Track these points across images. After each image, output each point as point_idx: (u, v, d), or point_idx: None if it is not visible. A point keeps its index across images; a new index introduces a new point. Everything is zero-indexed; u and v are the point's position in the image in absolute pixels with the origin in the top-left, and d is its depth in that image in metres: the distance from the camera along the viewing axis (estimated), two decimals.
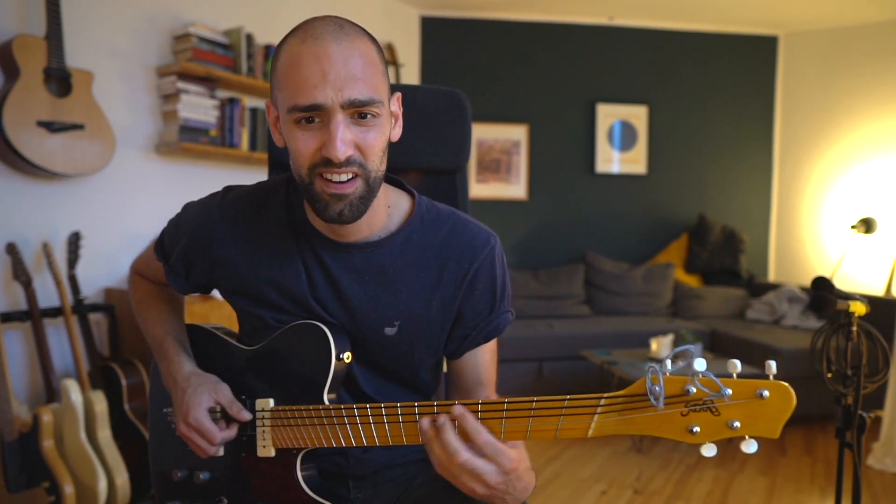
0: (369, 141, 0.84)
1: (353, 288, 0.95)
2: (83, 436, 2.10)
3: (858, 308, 1.44)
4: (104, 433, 2.16)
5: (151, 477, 1.12)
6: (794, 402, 0.68)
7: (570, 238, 4.67)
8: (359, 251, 0.95)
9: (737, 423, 0.69)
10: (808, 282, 3.22)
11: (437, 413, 0.81)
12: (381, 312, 0.96)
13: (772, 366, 0.69)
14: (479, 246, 0.98)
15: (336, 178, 0.83)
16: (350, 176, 0.84)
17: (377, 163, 0.86)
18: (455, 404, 0.80)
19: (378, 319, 0.96)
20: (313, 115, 0.82)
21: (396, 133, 0.93)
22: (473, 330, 0.99)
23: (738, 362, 0.69)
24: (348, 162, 0.82)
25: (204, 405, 0.95)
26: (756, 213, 4.84)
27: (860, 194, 4.39)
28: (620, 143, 4.67)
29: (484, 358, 1.02)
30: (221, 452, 0.99)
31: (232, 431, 0.96)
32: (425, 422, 0.80)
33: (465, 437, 0.78)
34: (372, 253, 0.95)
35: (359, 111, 0.82)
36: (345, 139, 0.81)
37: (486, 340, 1.01)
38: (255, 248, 0.98)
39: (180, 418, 0.96)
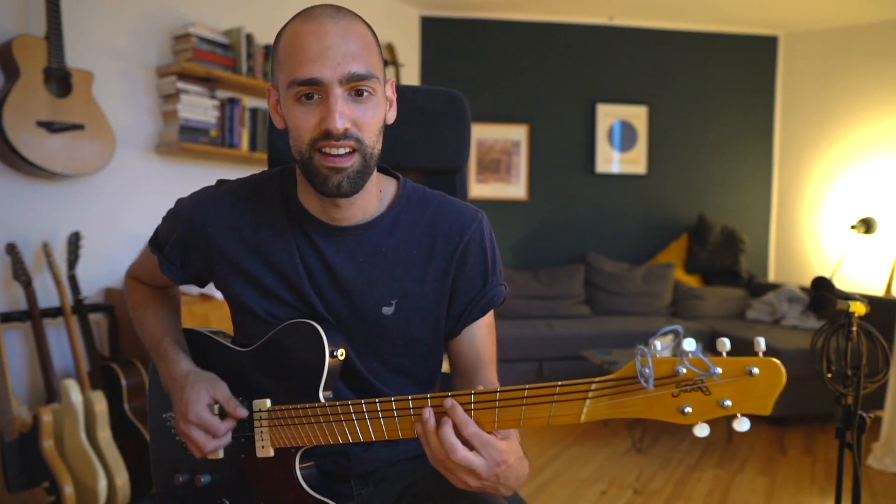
0: (367, 118, 0.87)
1: (348, 270, 0.96)
2: (83, 436, 2.10)
3: (858, 308, 1.44)
4: (104, 433, 2.16)
5: (153, 482, 1.12)
6: (785, 377, 0.67)
7: (570, 238, 4.67)
8: (350, 233, 0.96)
9: (728, 402, 0.68)
10: (808, 282, 3.22)
11: (430, 405, 0.82)
12: (376, 292, 0.97)
13: (761, 342, 0.69)
14: (466, 221, 1.00)
15: (334, 151, 0.86)
16: (347, 150, 0.86)
17: (373, 140, 0.89)
18: (448, 396, 0.81)
19: (375, 300, 0.97)
20: (312, 90, 0.84)
21: (392, 116, 0.96)
22: (469, 304, 1.01)
23: (727, 340, 0.69)
24: (346, 135, 0.85)
25: (203, 401, 0.95)
26: (756, 213, 4.84)
27: (860, 194, 4.39)
28: (620, 144, 4.67)
29: (481, 334, 1.03)
30: (221, 454, 1.00)
31: (232, 423, 0.97)
32: (427, 411, 0.81)
33: (454, 428, 0.79)
34: (363, 235, 0.97)
35: (356, 87, 0.85)
36: (343, 113, 0.84)
37: (483, 313, 1.02)
38: (251, 234, 0.99)
39: (179, 416, 0.96)
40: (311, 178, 0.89)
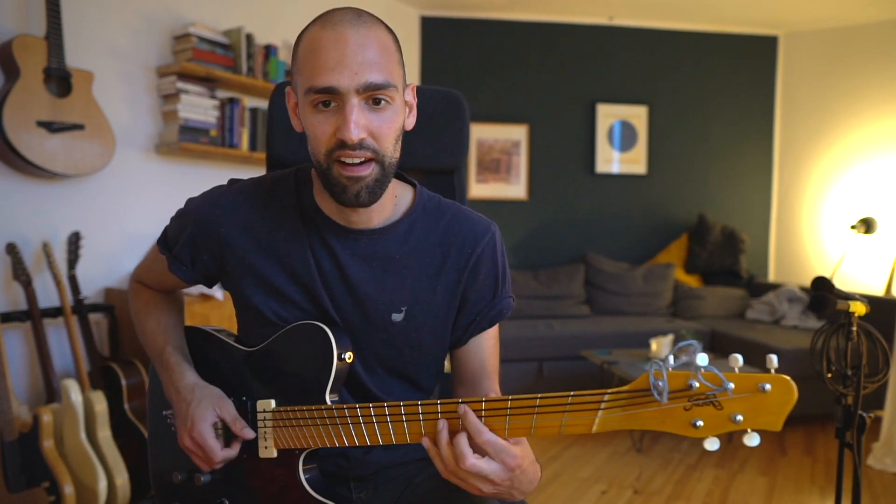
0: (383, 128, 0.86)
1: (360, 274, 0.96)
2: (83, 436, 2.10)
3: (858, 308, 1.44)
4: (104, 433, 2.16)
5: (151, 479, 1.12)
6: (796, 395, 0.68)
7: (570, 238, 4.67)
8: (365, 238, 0.96)
9: (739, 417, 0.69)
10: (808, 282, 3.22)
11: (440, 412, 0.82)
12: (387, 298, 0.97)
13: (773, 360, 0.69)
14: (480, 233, 1.00)
15: (350, 160, 0.85)
16: (363, 159, 0.86)
17: (391, 149, 0.88)
18: (459, 403, 0.80)
19: (385, 305, 0.97)
20: (329, 98, 0.84)
21: (410, 122, 0.95)
22: (478, 315, 1.01)
23: (739, 357, 0.70)
24: (361, 145, 0.85)
25: (208, 420, 0.94)
26: (756, 213, 4.84)
27: (860, 194, 4.39)
28: (620, 143, 4.67)
29: (487, 345, 1.03)
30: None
31: (233, 451, 0.96)
32: (441, 423, 0.81)
33: (467, 436, 0.79)
34: (378, 240, 0.97)
35: (373, 96, 0.84)
36: (358, 122, 0.84)
37: (490, 325, 1.03)
38: (264, 234, 0.98)
39: (184, 432, 0.95)
40: (330, 188, 0.89)
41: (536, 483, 0.85)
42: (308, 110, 0.86)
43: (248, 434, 0.95)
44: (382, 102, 0.85)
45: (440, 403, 0.82)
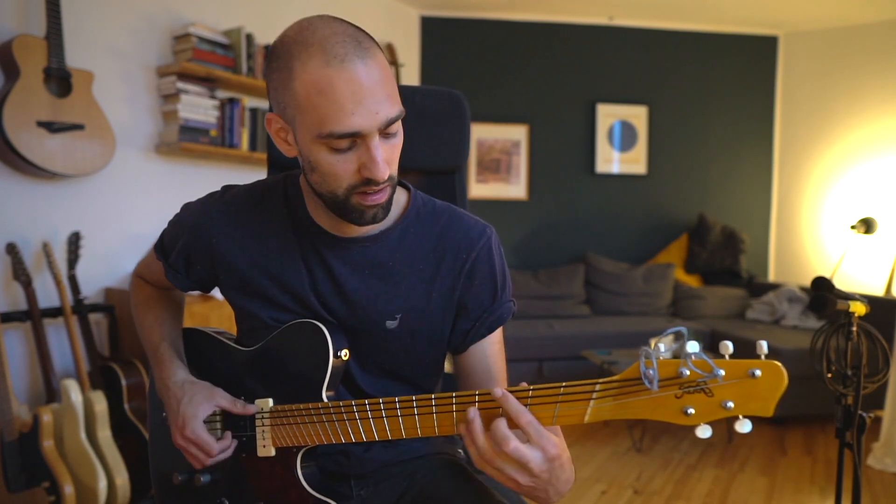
0: (395, 154, 0.87)
1: (353, 282, 0.96)
2: (83, 436, 2.10)
3: (858, 308, 1.44)
4: (104, 433, 2.16)
5: (152, 480, 1.12)
6: (786, 380, 0.68)
7: (570, 238, 4.67)
8: (357, 245, 0.96)
9: (730, 404, 0.69)
10: (808, 282, 3.22)
11: (454, 404, 0.81)
12: (381, 306, 0.96)
13: (763, 346, 0.69)
14: (475, 237, 0.99)
15: (372, 190, 0.85)
16: (382, 188, 0.86)
17: (397, 167, 0.89)
18: (493, 391, 0.78)
19: (379, 313, 0.97)
20: (352, 141, 0.82)
21: None
22: (477, 321, 1.00)
23: (730, 343, 0.70)
24: (387, 178, 0.85)
25: (200, 416, 0.95)
26: (756, 213, 4.84)
27: (860, 194, 4.39)
28: (620, 144, 4.67)
29: (491, 349, 1.02)
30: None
31: (227, 442, 0.97)
32: (472, 410, 0.78)
33: (508, 420, 0.76)
34: (370, 247, 0.96)
35: (390, 130, 0.84)
36: (383, 159, 0.83)
37: (490, 331, 1.01)
38: (255, 244, 0.98)
39: (176, 430, 0.95)
40: (345, 214, 0.88)
41: (571, 484, 0.81)
42: (322, 151, 0.83)
43: (252, 409, 0.96)
44: (394, 130, 0.85)
45: (436, 397, 0.82)
